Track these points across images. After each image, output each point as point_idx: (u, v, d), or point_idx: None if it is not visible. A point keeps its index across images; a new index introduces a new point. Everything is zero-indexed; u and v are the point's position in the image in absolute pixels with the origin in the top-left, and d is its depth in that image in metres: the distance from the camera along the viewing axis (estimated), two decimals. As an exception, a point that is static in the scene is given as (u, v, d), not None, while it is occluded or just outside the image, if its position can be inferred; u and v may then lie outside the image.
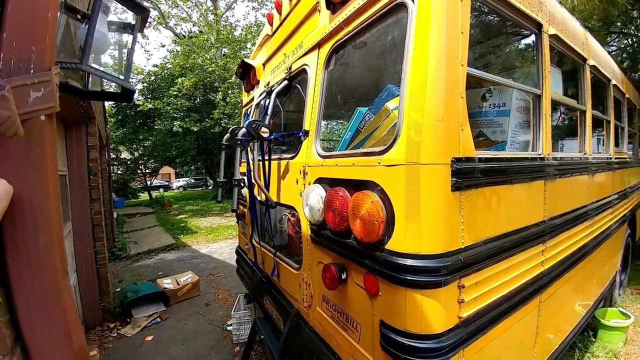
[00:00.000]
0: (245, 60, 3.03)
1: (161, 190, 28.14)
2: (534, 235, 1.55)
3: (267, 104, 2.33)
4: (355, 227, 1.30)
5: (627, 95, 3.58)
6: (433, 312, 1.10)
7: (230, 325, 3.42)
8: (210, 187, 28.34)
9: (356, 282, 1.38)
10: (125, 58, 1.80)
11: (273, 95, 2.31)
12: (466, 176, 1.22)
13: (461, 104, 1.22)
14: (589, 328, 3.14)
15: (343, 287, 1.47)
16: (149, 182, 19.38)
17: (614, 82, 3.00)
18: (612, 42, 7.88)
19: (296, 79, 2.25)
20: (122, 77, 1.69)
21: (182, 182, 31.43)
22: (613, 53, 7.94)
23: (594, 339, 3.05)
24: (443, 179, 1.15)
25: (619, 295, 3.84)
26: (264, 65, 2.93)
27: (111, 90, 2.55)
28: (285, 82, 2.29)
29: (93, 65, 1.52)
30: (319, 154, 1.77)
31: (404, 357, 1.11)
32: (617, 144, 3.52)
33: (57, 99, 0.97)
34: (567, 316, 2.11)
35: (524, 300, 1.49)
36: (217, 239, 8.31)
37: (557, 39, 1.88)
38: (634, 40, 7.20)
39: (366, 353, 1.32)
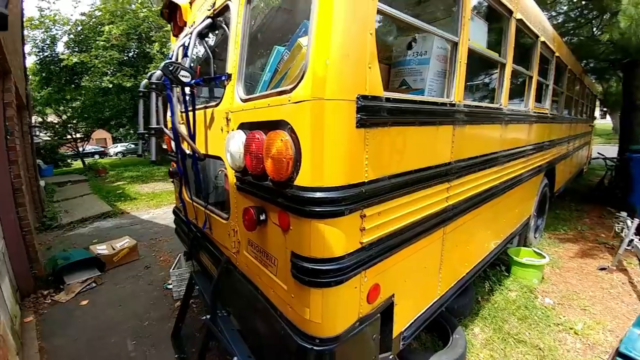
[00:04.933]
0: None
1: (96, 157, 25.51)
2: (439, 175, 1.69)
3: (187, 45, 2.12)
4: (267, 167, 1.30)
5: (556, 54, 3.84)
6: (335, 238, 1.18)
7: (171, 284, 3.41)
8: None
9: (273, 221, 1.41)
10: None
11: (194, 34, 2.11)
12: (372, 114, 1.26)
13: (370, 41, 1.22)
14: (502, 264, 3.66)
15: (263, 228, 1.51)
16: (80, 148, 17.31)
17: (542, 39, 3.16)
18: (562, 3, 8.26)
19: (220, 16, 2.06)
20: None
21: (120, 147, 28.18)
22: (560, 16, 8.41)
23: (507, 274, 3.57)
24: (347, 115, 1.17)
25: (535, 237, 4.46)
26: (190, 3, 2.62)
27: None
28: (209, 20, 2.09)
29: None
30: (240, 99, 1.69)
31: (309, 280, 1.20)
32: (540, 100, 3.88)
33: None
34: (474, 249, 2.41)
35: (427, 230, 1.66)
36: (161, 205, 7.92)
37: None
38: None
39: (281, 283, 1.40)
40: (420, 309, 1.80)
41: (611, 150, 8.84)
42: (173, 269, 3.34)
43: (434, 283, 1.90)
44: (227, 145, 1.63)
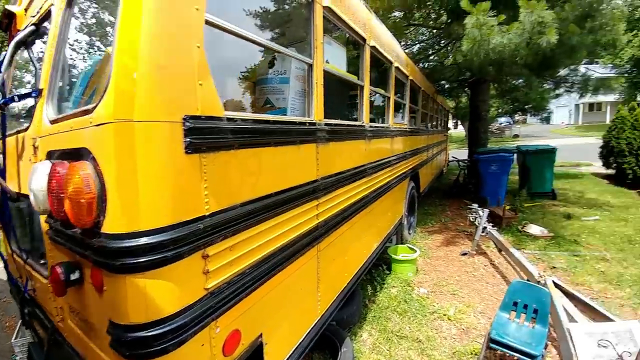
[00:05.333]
0: (8, 7, 2.07)
1: None
2: (306, 193, 1.67)
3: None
4: (67, 209, 0.99)
5: (410, 78, 4.52)
6: (163, 293, 0.96)
7: (17, 356, 2.56)
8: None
9: (89, 280, 1.09)
10: None
11: (12, 44, 1.64)
12: (209, 137, 1.10)
13: (197, 55, 1.06)
14: (384, 263, 3.99)
15: (80, 289, 1.15)
16: None
17: (396, 64, 3.66)
18: (424, 34, 9.92)
19: (44, 22, 1.64)
20: None
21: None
22: (422, 44, 10.08)
23: (388, 272, 3.89)
24: (170, 140, 0.98)
25: (409, 233, 5.07)
26: (25, 10, 2.05)
27: None
28: (32, 27, 1.65)
29: None
30: (49, 120, 1.30)
31: (132, 354, 0.93)
32: (401, 117, 4.49)
33: None
34: (354, 257, 2.52)
35: (298, 252, 1.61)
36: None
37: (332, 12, 2.00)
38: (431, 31, 9.20)
39: (107, 358, 1.08)
40: (299, 336, 1.71)
41: (464, 153, 11.11)
42: (15, 339, 2.54)
43: (313, 303, 1.85)
44: (29, 182, 1.22)
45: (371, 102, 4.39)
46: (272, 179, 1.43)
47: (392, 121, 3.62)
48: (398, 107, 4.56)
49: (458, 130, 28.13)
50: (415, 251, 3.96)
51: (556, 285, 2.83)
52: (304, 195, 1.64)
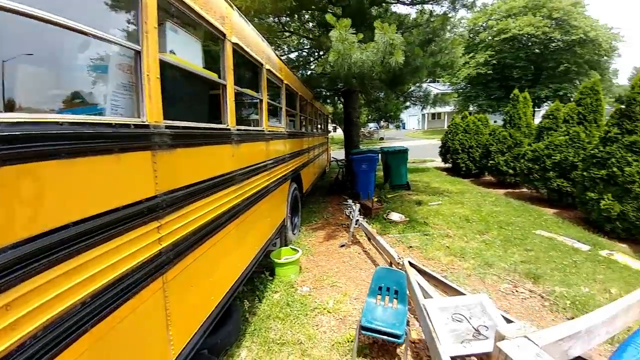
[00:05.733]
0: None
1: None
2: (137, 214, 1.34)
3: None
4: None
5: (285, 82, 4.51)
6: None
7: None
8: None
9: None
10: None
11: None
12: None
13: None
14: (266, 269, 3.88)
15: None
16: None
17: (268, 67, 3.55)
18: (303, 43, 10.20)
19: None
20: None
21: None
22: (300, 52, 10.38)
23: (271, 277, 3.79)
24: None
25: (294, 234, 5.12)
26: None
27: None
28: None
29: None
30: None
31: None
32: (280, 120, 4.45)
33: None
34: (224, 274, 2.29)
35: (125, 296, 1.26)
36: None
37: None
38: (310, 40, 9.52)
39: None
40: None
41: (343, 154, 12.23)
42: None
43: (162, 348, 1.53)
44: None
45: (241, 105, 4.22)
46: (68, 205, 1.05)
47: (266, 124, 3.54)
48: (275, 111, 4.53)
49: (338, 133, 31.23)
50: (298, 251, 4.01)
51: (411, 264, 3.24)
52: (131, 217, 1.30)
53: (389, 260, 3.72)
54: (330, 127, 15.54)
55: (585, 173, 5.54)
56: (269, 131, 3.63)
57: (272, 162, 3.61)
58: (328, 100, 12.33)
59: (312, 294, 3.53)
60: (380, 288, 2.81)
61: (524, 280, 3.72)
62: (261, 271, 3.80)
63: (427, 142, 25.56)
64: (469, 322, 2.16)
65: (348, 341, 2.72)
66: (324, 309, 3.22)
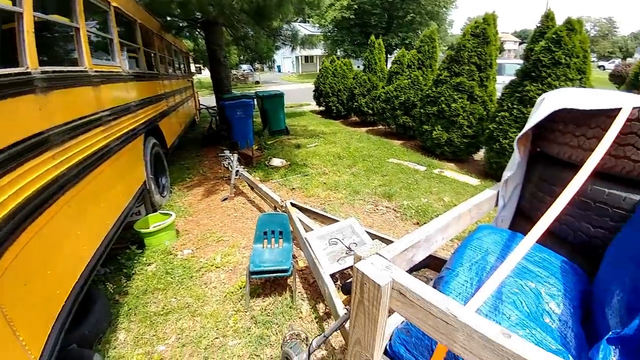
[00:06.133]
0: None
1: None
2: None
3: None
4: None
5: (114, 4, 3.37)
6: None
7: None
8: None
9: None
10: None
11: None
12: None
13: None
14: (132, 242, 3.34)
15: None
16: None
17: None
18: None
19: None
20: None
21: None
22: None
23: (141, 250, 3.29)
24: None
25: (163, 197, 4.47)
26: None
27: None
28: None
29: None
30: None
31: None
32: (114, 57, 3.41)
33: None
34: (64, 266, 1.79)
35: None
36: None
37: None
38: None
39: None
40: None
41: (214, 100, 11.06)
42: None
43: (21, 357, 1.13)
44: None
45: (51, 39, 3.03)
46: None
47: (89, 62, 2.65)
48: (105, 46, 3.45)
49: (205, 76, 27.72)
50: (170, 215, 3.56)
51: (293, 204, 3.44)
52: None
53: (273, 205, 3.80)
54: (193, 68, 13.40)
55: (422, 110, 6.84)
56: (97, 71, 2.76)
57: (107, 114, 2.82)
58: (187, 33, 10.31)
59: (196, 255, 3.30)
60: (265, 233, 2.86)
61: (382, 200, 4.55)
62: (126, 246, 3.25)
63: (303, 85, 25.97)
64: (342, 243, 2.48)
65: (240, 288, 2.74)
66: (212, 265, 3.10)
